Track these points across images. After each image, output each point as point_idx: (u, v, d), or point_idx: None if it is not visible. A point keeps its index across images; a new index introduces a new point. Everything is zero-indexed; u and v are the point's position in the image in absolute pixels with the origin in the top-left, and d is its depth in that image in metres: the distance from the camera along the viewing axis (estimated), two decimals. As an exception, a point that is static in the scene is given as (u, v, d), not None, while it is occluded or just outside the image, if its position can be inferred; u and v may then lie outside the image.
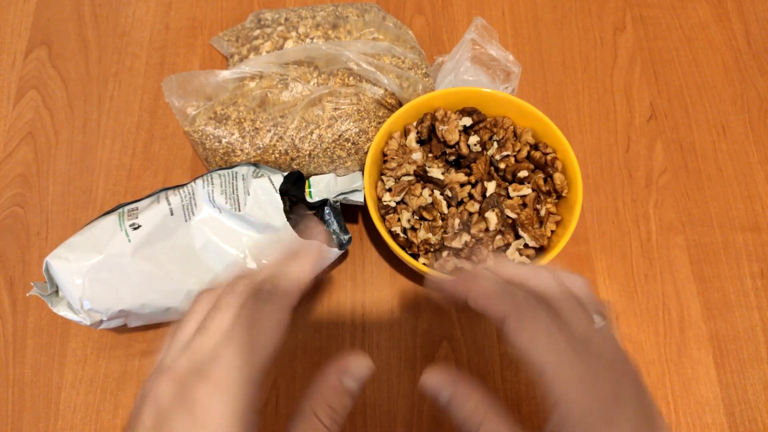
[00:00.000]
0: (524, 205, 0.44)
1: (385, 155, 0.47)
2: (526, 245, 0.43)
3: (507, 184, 0.45)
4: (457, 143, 0.46)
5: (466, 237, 0.43)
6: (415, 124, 0.48)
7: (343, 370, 0.25)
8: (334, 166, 0.48)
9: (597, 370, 0.22)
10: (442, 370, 0.25)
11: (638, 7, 0.61)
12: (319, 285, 0.49)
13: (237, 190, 0.43)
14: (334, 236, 0.47)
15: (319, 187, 0.47)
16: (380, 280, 0.49)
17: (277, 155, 0.46)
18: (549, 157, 0.45)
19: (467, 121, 0.47)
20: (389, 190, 0.46)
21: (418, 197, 0.45)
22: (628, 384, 0.22)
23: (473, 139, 0.46)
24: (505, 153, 0.46)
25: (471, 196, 0.45)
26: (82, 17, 0.60)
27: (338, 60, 0.47)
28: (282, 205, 0.42)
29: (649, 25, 0.60)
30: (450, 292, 0.28)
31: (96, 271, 0.39)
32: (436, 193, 0.45)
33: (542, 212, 0.44)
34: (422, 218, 0.44)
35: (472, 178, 0.45)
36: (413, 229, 0.45)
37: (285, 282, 0.27)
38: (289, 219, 0.43)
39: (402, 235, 0.45)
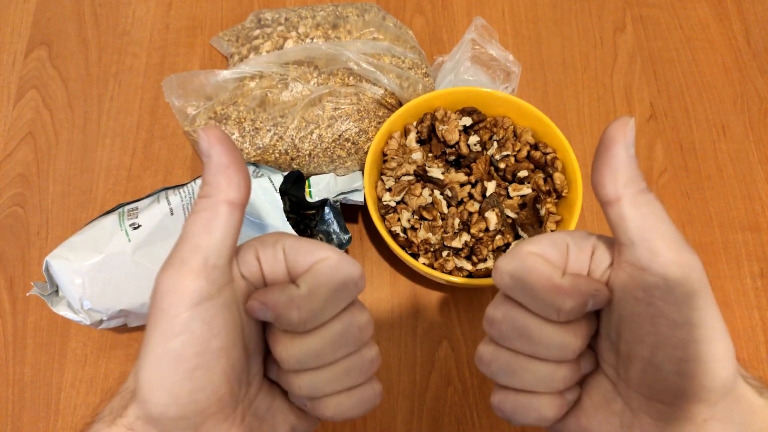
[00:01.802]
0: (524, 204, 0.44)
1: (385, 155, 0.47)
2: (526, 245, 0.43)
3: (507, 183, 0.45)
4: (457, 143, 0.46)
5: (466, 237, 0.43)
6: (415, 124, 0.48)
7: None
8: (334, 166, 0.48)
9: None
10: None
11: (638, 7, 0.61)
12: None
13: (237, 189, 0.43)
14: (334, 236, 0.47)
15: (319, 187, 0.47)
16: (380, 280, 0.49)
17: (277, 155, 0.46)
18: (549, 157, 0.45)
19: (467, 121, 0.47)
20: (389, 189, 0.46)
21: (418, 197, 0.45)
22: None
23: (473, 139, 0.46)
24: (505, 153, 0.46)
25: (471, 196, 0.45)
26: (82, 17, 0.60)
27: (338, 60, 0.47)
28: (282, 205, 0.42)
29: (649, 25, 0.60)
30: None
31: (96, 270, 0.39)
32: (436, 193, 0.45)
33: (542, 212, 0.44)
34: (422, 218, 0.44)
35: (472, 178, 0.45)
36: (413, 228, 0.45)
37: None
38: (289, 219, 0.43)
39: (402, 235, 0.45)
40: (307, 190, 0.47)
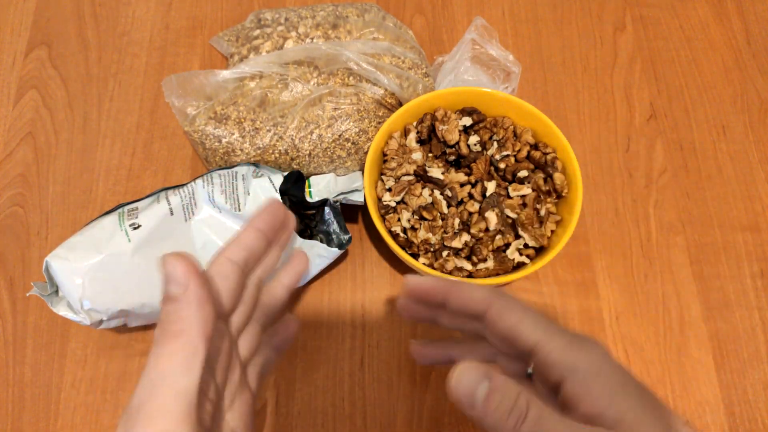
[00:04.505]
0: (524, 205, 0.44)
1: (385, 155, 0.47)
2: (526, 245, 0.43)
3: (507, 184, 0.45)
4: (457, 143, 0.46)
5: (466, 237, 0.43)
6: (415, 124, 0.48)
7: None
8: (334, 166, 0.48)
9: (580, 340, 0.24)
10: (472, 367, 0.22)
11: (638, 7, 0.61)
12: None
13: (237, 190, 0.43)
14: (334, 236, 0.47)
15: (319, 187, 0.47)
16: (380, 280, 0.49)
17: (277, 155, 0.46)
18: (549, 157, 0.45)
19: (467, 121, 0.47)
20: (389, 190, 0.46)
21: (418, 197, 0.45)
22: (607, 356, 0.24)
23: (473, 139, 0.46)
24: (505, 153, 0.46)
25: (471, 196, 0.45)
26: (82, 17, 0.60)
27: (338, 60, 0.47)
28: (282, 205, 0.42)
29: (649, 25, 0.60)
30: (428, 292, 0.27)
31: (96, 270, 0.39)
32: (436, 193, 0.45)
33: (542, 212, 0.44)
34: (422, 218, 0.44)
35: (472, 178, 0.45)
36: (413, 229, 0.45)
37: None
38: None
39: (402, 235, 0.45)
40: (307, 190, 0.47)
